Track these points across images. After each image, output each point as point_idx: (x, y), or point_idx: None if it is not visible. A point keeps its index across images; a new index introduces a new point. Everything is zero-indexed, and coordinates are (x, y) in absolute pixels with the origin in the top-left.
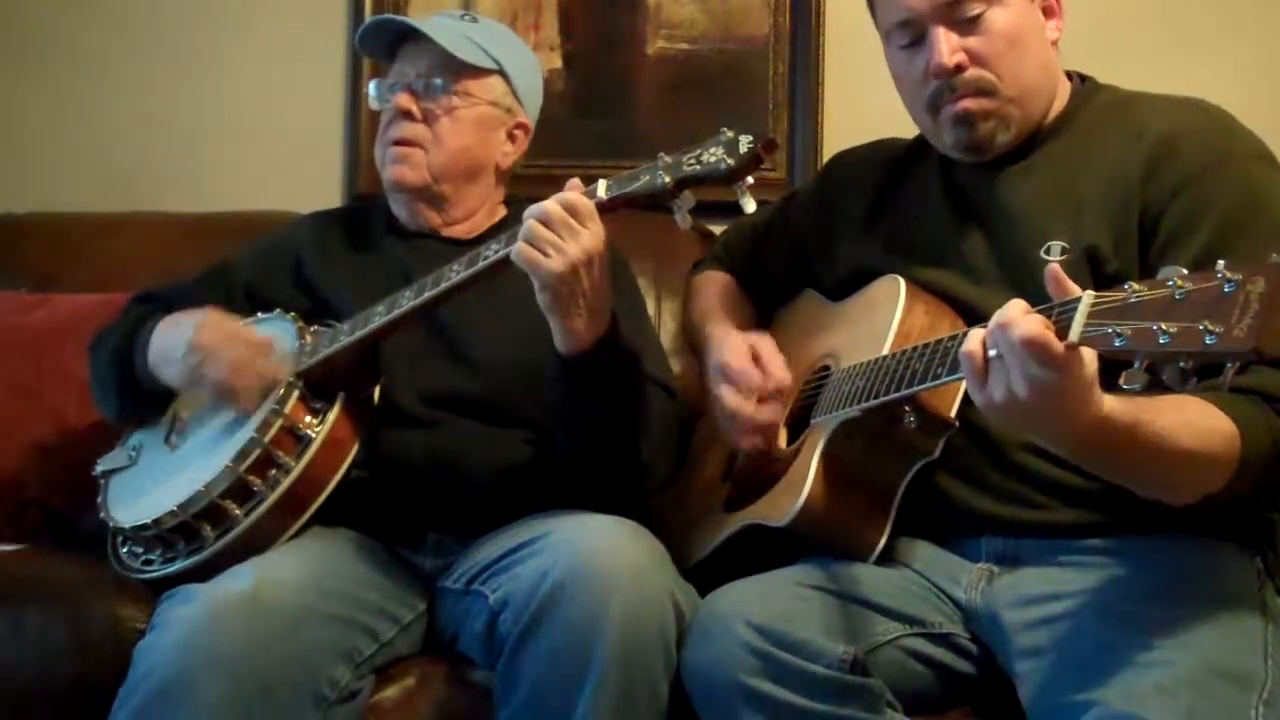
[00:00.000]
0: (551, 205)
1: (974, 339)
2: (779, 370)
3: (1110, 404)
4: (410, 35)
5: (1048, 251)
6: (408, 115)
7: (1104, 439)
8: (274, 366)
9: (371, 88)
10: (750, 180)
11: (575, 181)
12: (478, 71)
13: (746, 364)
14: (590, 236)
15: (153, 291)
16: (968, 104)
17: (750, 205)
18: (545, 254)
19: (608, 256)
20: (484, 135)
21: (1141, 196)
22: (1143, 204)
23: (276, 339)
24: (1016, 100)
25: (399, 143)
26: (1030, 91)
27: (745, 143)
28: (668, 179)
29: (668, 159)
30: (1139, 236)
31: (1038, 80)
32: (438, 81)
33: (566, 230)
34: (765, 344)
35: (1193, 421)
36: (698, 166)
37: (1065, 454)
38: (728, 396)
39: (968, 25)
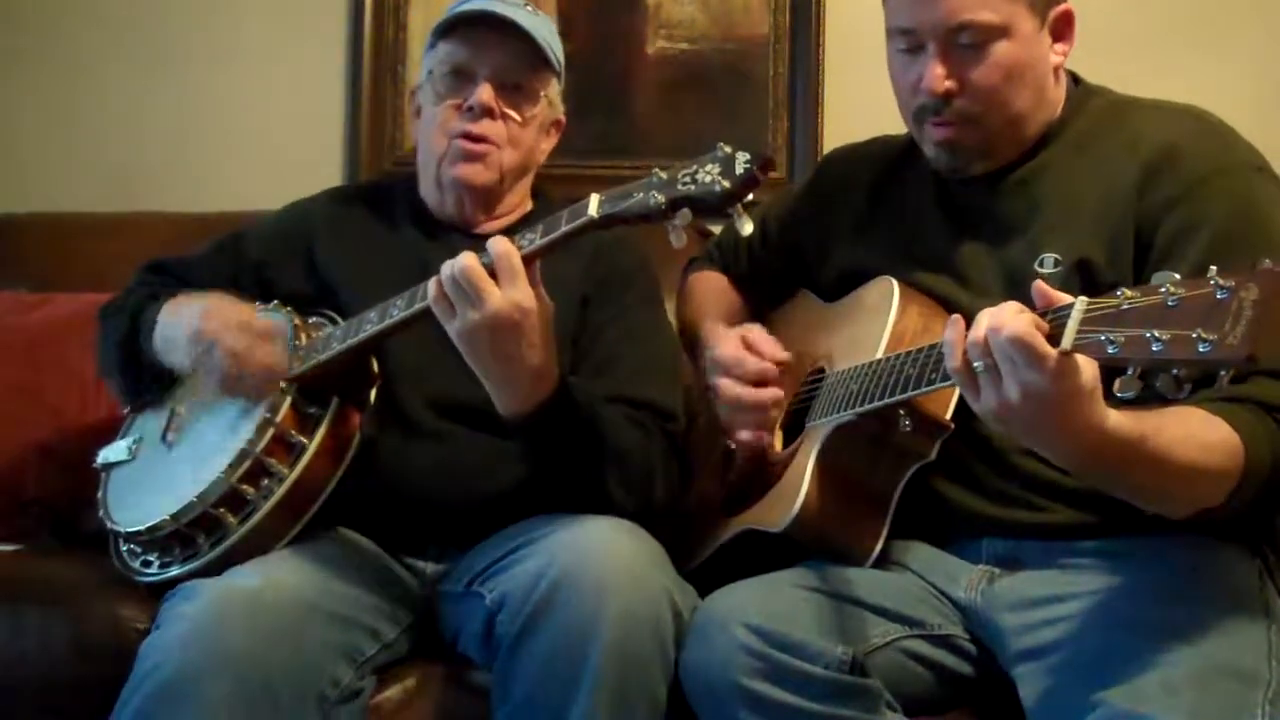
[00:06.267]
0: (467, 260)
1: (956, 355)
2: (771, 349)
3: (1115, 418)
4: (482, 20)
5: (1040, 264)
6: (489, 113)
7: (1108, 452)
8: (278, 356)
9: (435, 66)
10: (750, 197)
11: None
12: (549, 71)
13: (739, 351)
14: (499, 300)
15: (164, 261)
16: (949, 133)
17: (747, 228)
18: (451, 310)
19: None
20: (540, 134)
21: (1137, 208)
22: (1138, 216)
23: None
24: (1002, 131)
25: (478, 139)
26: (1020, 120)
27: (742, 162)
28: (661, 198)
29: (662, 175)
30: (1134, 248)
31: (1031, 109)
32: (524, 83)
33: (474, 290)
34: (754, 329)
35: (1197, 434)
36: (692, 186)
37: (1068, 466)
38: (726, 386)
39: (968, 50)
